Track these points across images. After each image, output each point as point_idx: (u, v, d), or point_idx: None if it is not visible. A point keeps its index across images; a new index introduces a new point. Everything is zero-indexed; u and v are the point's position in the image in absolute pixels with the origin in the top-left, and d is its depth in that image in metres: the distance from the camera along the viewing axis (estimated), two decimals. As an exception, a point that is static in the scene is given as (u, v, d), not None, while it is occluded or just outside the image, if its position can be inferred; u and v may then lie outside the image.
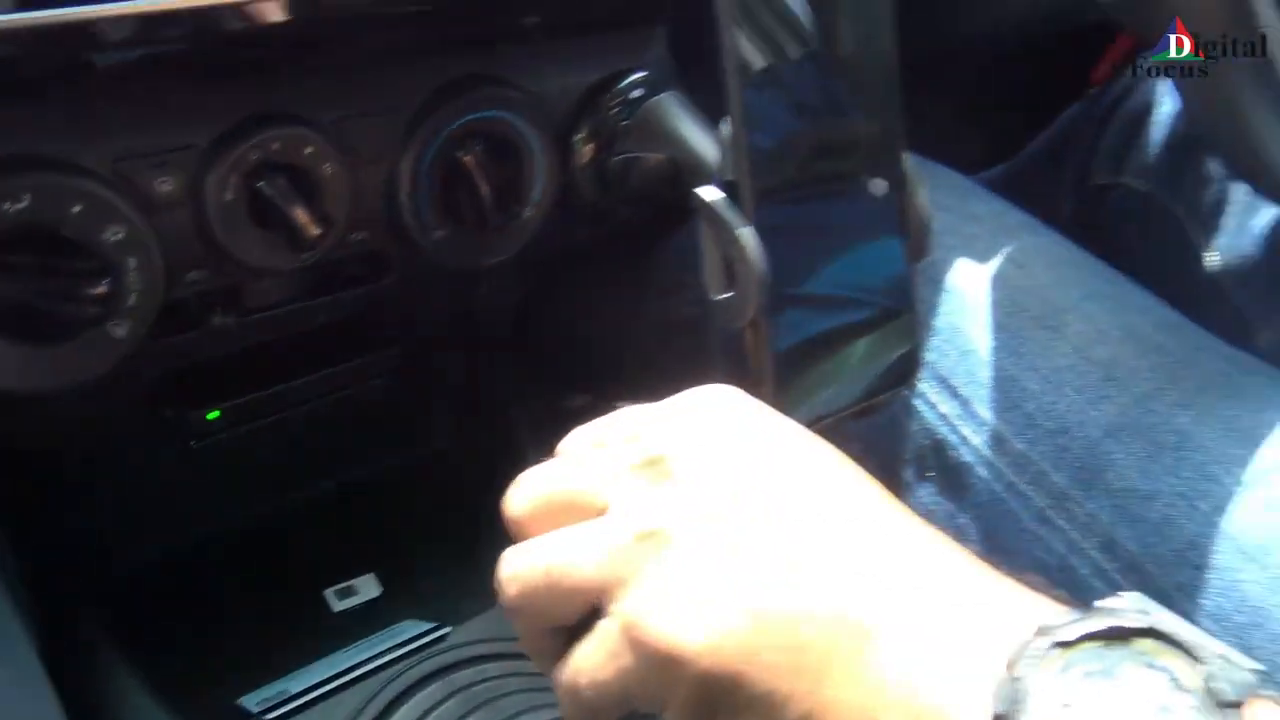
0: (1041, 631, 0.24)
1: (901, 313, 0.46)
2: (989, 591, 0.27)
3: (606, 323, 0.78)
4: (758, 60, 0.40)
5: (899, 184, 0.46)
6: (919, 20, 0.60)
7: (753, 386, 0.42)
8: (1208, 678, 0.22)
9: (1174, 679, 0.22)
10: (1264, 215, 0.64)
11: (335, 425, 0.60)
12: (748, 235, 0.41)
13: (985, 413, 0.52)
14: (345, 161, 0.46)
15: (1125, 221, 0.71)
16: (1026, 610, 0.25)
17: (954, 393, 0.54)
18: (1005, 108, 0.81)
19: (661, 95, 0.55)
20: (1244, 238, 0.65)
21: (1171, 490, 0.47)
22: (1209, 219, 0.67)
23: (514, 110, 0.51)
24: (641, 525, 0.29)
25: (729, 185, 0.41)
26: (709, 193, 0.42)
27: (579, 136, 0.55)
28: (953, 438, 0.53)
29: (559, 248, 0.58)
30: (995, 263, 0.55)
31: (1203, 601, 0.45)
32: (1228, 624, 0.44)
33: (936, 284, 0.56)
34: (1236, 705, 0.22)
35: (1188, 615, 0.45)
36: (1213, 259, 0.67)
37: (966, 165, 0.74)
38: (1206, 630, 0.45)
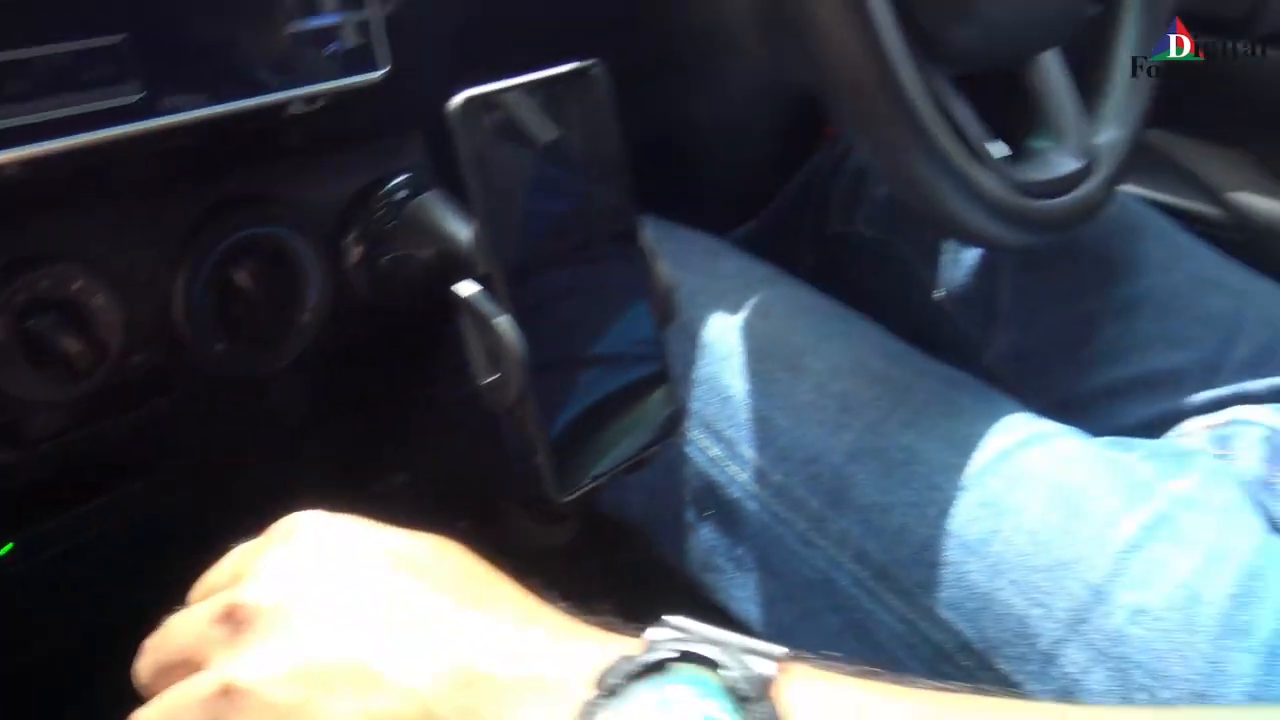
0: (601, 683, 0.28)
1: (660, 372, 0.51)
2: (564, 655, 0.30)
3: (403, 405, 0.80)
4: (494, 160, 0.44)
5: (642, 256, 0.51)
6: (651, 104, 0.66)
7: (530, 457, 0.47)
8: (740, 678, 0.27)
9: (710, 689, 0.27)
10: (972, 250, 0.73)
11: (136, 543, 0.61)
12: (504, 324, 0.45)
13: (747, 451, 0.58)
14: (116, 291, 0.48)
15: (862, 266, 0.79)
16: (595, 663, 0.29)
17: (719, 436, 0.59)
18: (756, 165, 0.89)
19: (424, 195, 0.58)
20: (959, 271, 0.74)
21: (905, 501, 0.54)
22: (930, 257, 0.76)
23: (281, 223, 0.54)
24: (218, 682, 0.30)
25: (485, 277, 0.46)
26: (465, 288, 0.46)
27: (348, 240, 0.58)
28: (722, 478, 0.59)
29: (341, 345, 0.61)
30: (742, 315, 0.62)
31: (939, 595, 0.52)
32: (961, 611, 0.51)
33: (694, 339, 0.62)
34: (763, 692, 0.27)
35: (930, 609, 0.52)
36: (939, 292, 0.76)
37: (722, 224, 0.81)
38: (946, 619, 0.52)
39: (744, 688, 0.27)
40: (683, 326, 0.62)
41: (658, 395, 0.51)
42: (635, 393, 0.51)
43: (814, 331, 0.61)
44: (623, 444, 0.50)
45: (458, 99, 0.43)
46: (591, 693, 0.28)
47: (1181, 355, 0.67)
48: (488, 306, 0.45)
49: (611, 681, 0.28)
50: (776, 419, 0.58)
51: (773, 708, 0.27)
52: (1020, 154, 0.63)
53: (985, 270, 0.74)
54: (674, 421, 0.52)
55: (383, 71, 0.51)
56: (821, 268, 0.80)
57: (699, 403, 0.60)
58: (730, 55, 0.67)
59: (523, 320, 0.45)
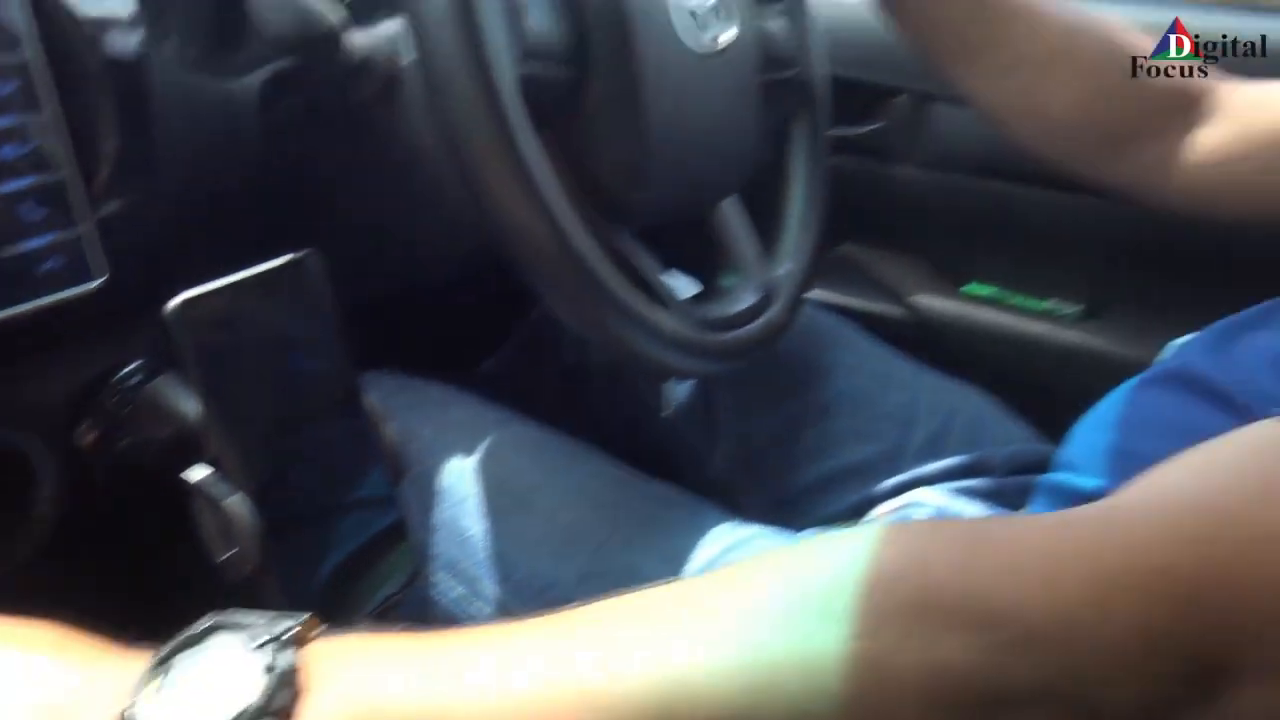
0: (155, 662, 0.33)
1: (399, 524, 0.55)
2: (133, 662, 0.34)
3: (166, 577, 0.80)
4: (217, 351, 0.48)
5: (369, 420, 0.55)
6: (375, 271, 0.71)
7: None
8: (266, 634, 0.33)
9: (242, 644, 0.33)
10: (688, 369, 0.81)
11: None
12: (237, 502, 0.48)
13: (489, 588, 0.63)
14: None
15: (598, 393, 0.86)
16: (156, 656, 0.34)
17: (462, 576, 0.64)
18: (487, 307, 0.95)
19: (157, 380, 0.61)
20: (680, 389, 0.83)
21: (633, 617, 0.59)
22: (655, 378, 0.84)
23: (7, 424, 0.55)
24: None
25: (215, 459, 0.49)
26: (195, 473, 0.49)
27: (82, 429, 0.60)
28: (465, 617, 0.63)
29: (88, 530, 0.62)
30: (475, 458, 0.67)
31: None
32: None
33: (432, 486, 0.67)
34: (285, 643, 0.33)
35: None
36: (666, 410, 0.83)
37: (463, 364, 0.86)
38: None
39: (268, 641, 0.33)
40: (421, 475, 0.66)
41: (399, 547, 0.55)
42: (377, 546, 0.55)
43: (542, 467, 0.67)
44: (367, 595, 0.54)
45: (174, 302, 0.47)
46: (148, 672, 0.33)
47: (870, 448, 0.77)
48: (218, 488, 0.49)
49: (162, 658, 0.33)
50: (512, 554, 0.63)
51: (293, 652, 0.33)
52: (711, 291, 0.72)
53: (704, 387, 0.82)
54: (416, 571, 0.56)
55: (99, 281, 0.53)
56: (560, 398, 0.87)
57: (440, 546, 0.65)
58: (443, 216, 0.72)
59: (258, 494, 0.49)
